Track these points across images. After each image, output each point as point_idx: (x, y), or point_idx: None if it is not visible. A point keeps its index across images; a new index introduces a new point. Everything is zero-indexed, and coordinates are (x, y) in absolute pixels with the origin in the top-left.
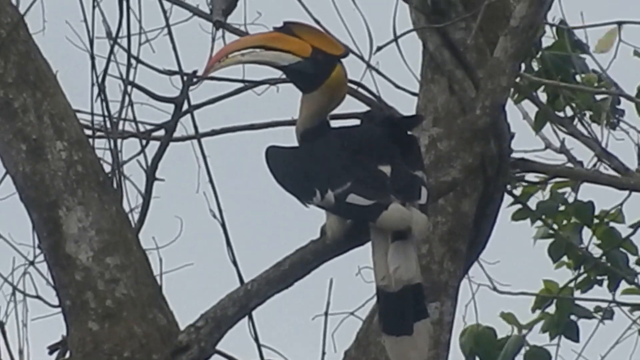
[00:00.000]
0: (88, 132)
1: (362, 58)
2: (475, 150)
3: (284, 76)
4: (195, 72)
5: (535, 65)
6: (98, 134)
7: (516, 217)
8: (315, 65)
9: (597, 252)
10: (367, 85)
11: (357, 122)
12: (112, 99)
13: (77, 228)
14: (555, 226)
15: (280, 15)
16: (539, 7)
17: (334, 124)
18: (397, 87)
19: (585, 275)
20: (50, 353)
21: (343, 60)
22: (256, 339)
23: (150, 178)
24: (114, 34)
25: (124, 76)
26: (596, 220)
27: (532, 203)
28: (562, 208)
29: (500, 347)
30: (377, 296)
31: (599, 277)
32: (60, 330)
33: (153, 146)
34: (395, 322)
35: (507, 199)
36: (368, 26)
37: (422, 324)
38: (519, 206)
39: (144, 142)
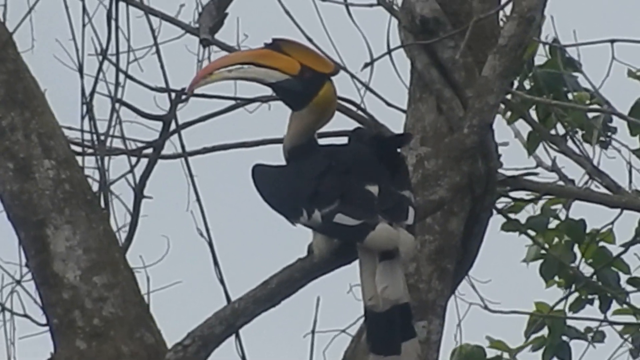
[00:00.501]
0: (76, 148)
1: (353, 75)
2: (462, 169)
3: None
4: (183, 89)
5: (527, 84)
6: (87, 151)
7: (505, 228)
8: (303, 83)
9: (588, 270)
10: (358, 102)
11: (345, 139)
12: (101, 117)
13: (64, 247)
14: (546, 244)
15: (271, 33)
16: (527, 26)
17: (323, 141)
18: (389, 104)
19: (577, 295)
20: None
21: (334, 77)
22: (243, 358)
23: (139, 196)
24: (102, 51)
25: (113, 94)
26: (587, 239)
27: (523, 217)
28: (553, 225)
29: None
30: (365, 316)
31: (590, 297)
32: (48, 349)
33: (142, 165)
34: (383, 342)
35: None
36: (368, 42)
37: (410, 344)
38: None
39: (133, 159)
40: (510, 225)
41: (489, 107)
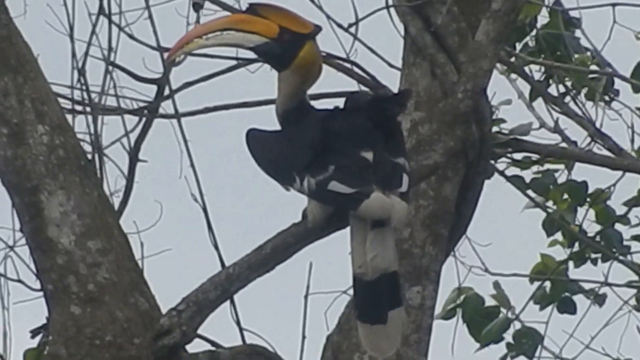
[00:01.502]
0: (68, 106)
1: (355, 37)
2: (456, 134)
3: None
4: None
5: (530, 43)
6: (79, 108)
7: (511, 182)
8: (283, 45)
9: (592, 228)
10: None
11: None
12: (96, 82)
13: (58, 212)
14: (550, 202)
15: None
16: None
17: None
18: (391, 66)
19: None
20: (33, 337)
21: (317, 37)
22: (238, 323)
23: (134, 160)
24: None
25: (106, 57)
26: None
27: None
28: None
29: (486, 315)
30: (354, 284)
31: (593, 256)
32: (42, 314)
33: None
34: (371, 310)
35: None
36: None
37: (396, 313)
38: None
39: (127, 122)
40: (515, 181)
41: (483, 71)
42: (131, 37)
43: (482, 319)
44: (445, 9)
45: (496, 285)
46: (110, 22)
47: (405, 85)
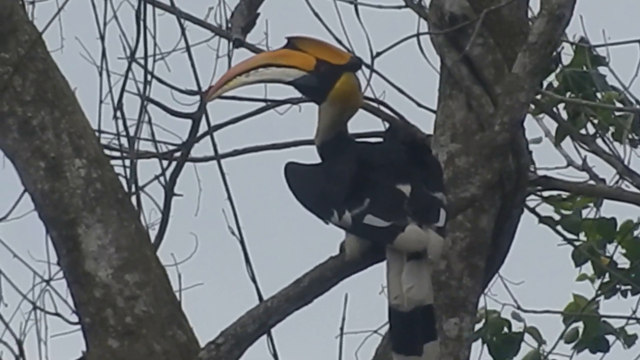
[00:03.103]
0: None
1: (382, 76)
2: (493, 167)
3: None
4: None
5: (555, 82)
6: (115, 154)
7: (542, 221)
8: (320, 77)
9: (622, 260)
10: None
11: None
12: (130, 117)
13: (96, 245)
14: (582, 234)
15: (302, 31)
16: (556, 23)
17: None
18: (419, 105)
19: (608, 279)
20: None
21: (356, 70)
22: (275, 356)
23: (169, 194)
24: (131, 51)
25: (141, 93)
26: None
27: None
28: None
29: (508, 340)
30: (389, 315)
31: (623, 287)
32: (80, 347)
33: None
34: (406, 341)
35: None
36: (370, 42)
37: (431, 346)
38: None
39: (164, 162)
40: (546, 220)
41: (520, 104)
42: (163, 82)
43: (502, 343)
44: (472, 34)
45: (515, 315)
46: (146, 71)
47: (441, 118)
